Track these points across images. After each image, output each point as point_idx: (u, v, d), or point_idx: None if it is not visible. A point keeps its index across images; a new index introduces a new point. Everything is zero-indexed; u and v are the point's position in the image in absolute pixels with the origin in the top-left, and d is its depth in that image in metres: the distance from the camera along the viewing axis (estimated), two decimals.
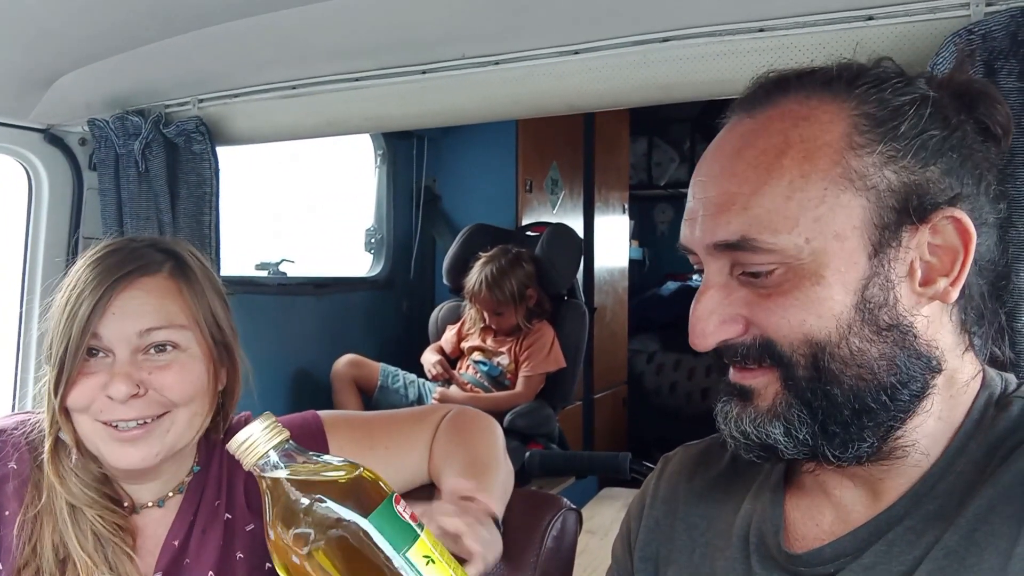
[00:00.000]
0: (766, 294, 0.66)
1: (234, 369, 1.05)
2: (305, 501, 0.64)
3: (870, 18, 1.05)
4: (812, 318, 0.64)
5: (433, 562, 0.65)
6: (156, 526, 1.02)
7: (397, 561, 0.63)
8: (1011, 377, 0.72)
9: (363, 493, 0.66)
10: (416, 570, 0.64)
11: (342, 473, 0.67)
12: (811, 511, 0.74)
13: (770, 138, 0.66)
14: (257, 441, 0.66)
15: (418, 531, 0.66)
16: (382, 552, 0.63)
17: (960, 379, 0.68)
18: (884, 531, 0.67)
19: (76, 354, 0.93)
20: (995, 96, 0.70)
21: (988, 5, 0.97)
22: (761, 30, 1.11)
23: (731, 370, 0.71)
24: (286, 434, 0.68)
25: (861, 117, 0.64)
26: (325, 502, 0.64)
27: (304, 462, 0.68)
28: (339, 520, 0.64)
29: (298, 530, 0.64)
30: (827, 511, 0.73)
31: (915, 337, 0.65)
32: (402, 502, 0.67)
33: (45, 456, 0.97)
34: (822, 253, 0.63)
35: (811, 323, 0.64)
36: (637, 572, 0.86)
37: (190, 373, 0.97)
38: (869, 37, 1.05)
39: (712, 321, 0.68)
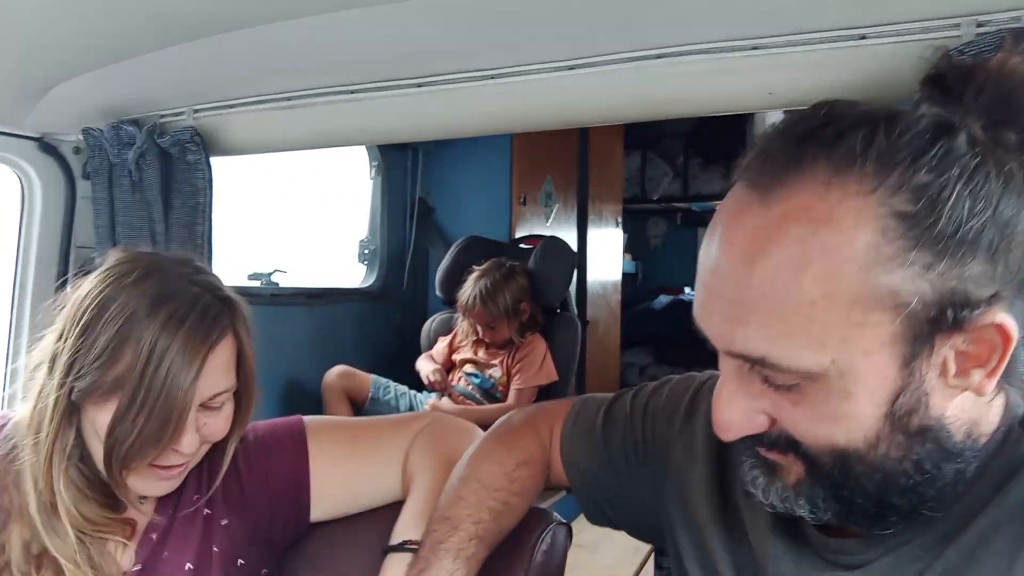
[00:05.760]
0: (791, 399, 0.63)
1: (245, 412, 1.07)
2: None
3: (863, 37, 1.05)
4: (840, 431, 0.62)
5: None
6: (136, 521, 1.03)
7: None
8: None
9: None
10: None
11: None
12: None
13: (787, 248, 0.58)
14: None
15: None
16: None
17: (986, 418, 0.67)
18: (894, 547, 0.68)
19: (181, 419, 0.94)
20: None
21: (979, 26, 0.97)
22: (755, 48, 1.12)
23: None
24: None
25: (890, 217, 0.56)
26: None
27: None
28: None
29: None
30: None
31: (948, 435, 0.62)
32: None
33: (46, 454, 0.96)
34: (850, 370, 0.59)
35: (838, 436, 0.62)
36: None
37: (227, 417, 1.02)
38: (861, 56, 1.06)
39: (735, 415, 0.66)
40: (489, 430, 1.07)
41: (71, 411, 0.96)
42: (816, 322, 0.58)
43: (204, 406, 0.98)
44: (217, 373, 0.97)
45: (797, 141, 0.60)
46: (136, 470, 0.96)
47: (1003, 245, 0.58)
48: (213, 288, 1.01)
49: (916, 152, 0.57)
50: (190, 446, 0.96)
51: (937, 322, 0.58)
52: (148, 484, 0.98)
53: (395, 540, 1.00)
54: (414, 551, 0.96)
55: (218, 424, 1.00)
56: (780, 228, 0.59)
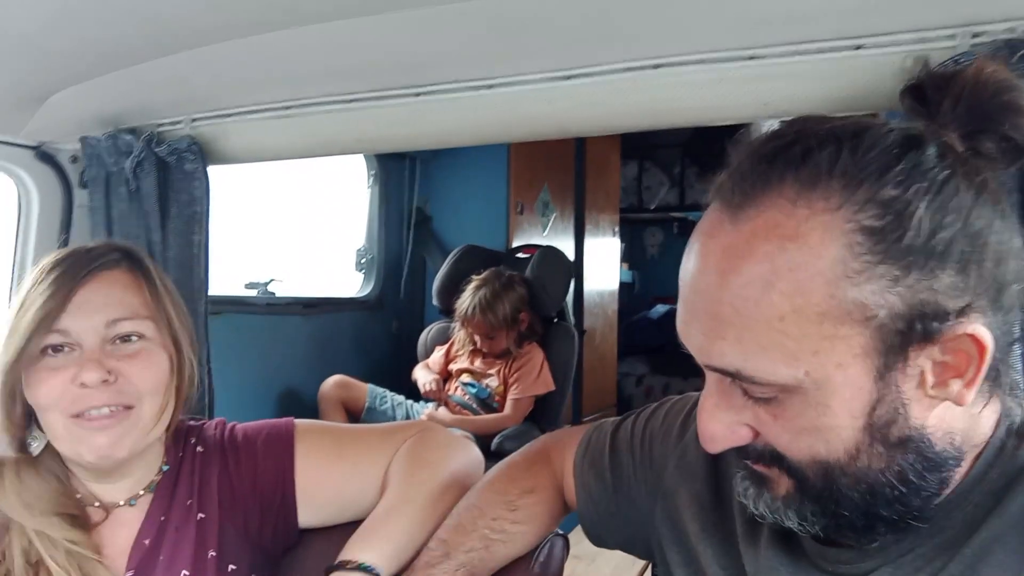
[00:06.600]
0: (772, 412, 0.64)
1: (183, 368, 1.05)
2: None
3: (859, 47, 1.06)
4: (820, 444, 0.63)
5: None
6: (127, 526, 1.02)
7: None
8: None
9: None
10: None
11: None
12: None
13: (756, 264, 0.59)
14: None
15: None
16: None
17: (976, 426, 0.67)
18: (893, 558, 0.67)
19: (39, 347, 0.95)
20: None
21: (974, 36, 0.98)
22: (751, 58, 1.13)
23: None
24: None
25: (857, 233, 0.57)
26: None
27: None
28: None
29: None
30: None
31: (930, 445, 0.63)
32: None
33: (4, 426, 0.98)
34: (825, 382, 0.60)
35: (819, 448, 0.63)
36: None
37: (156, 363, 1.00)
38: (857, 66, 1.06)
39: (718, 427, 0.67)
40: (505, 458, 1.08)
41: (10, 386, 0.97)
42: (787, 336, 0.59)
43: (111, 343, 0.98)
44: (110, 298, 0.98)
45: (766, 160, 0.61)
46: (65, 427, 0.96)
47: (974, 256, 0.58)
48: (112, 244, 1.04)
49: (883, 167, 0.58)
50: (90, 375, 0.94)
51: (909, 334, 0.58)
52: (83, 440, 0.96)
53: (341, 557, 0.98)
54: (358, 569, 0.96)
55: (138, 365, 0.98)
56: (750, 245, 0.60)
